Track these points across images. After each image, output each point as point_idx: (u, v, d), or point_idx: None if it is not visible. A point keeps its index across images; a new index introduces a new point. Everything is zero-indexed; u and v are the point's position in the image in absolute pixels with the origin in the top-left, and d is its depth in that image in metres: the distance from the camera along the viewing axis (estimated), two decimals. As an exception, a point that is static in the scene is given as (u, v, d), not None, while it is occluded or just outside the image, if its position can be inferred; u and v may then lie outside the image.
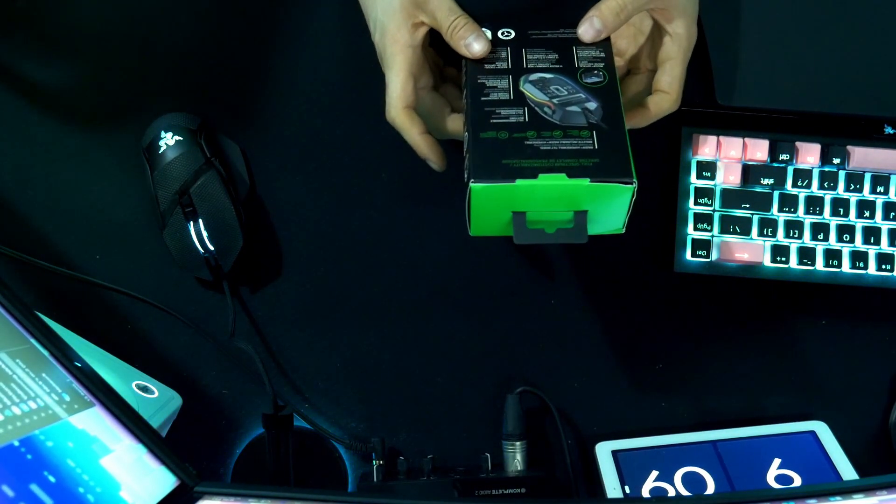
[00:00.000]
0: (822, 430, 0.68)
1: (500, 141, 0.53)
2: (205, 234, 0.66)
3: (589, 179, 0.51)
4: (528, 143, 0.53)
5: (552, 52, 0.57)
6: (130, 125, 0.69)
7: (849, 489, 0.51)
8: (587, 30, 0.57)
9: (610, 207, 0.53)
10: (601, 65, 0.57)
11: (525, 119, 0.54)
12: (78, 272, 0.68)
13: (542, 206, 0.53)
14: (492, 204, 0.53)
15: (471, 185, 0.52)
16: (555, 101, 0.55)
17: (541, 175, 0.51)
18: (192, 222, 0.66)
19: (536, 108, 0.54)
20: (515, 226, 0.53)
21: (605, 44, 0.57)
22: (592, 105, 0.55)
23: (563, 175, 0.51)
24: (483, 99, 0.55)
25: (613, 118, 0.54)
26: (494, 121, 0.54)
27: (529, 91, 0.55)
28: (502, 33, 0.58)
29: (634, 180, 0.52)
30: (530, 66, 0.57)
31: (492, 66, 0.57)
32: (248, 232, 0.68)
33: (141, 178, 0.68)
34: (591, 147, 0.53)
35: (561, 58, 0.57)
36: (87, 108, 0.69)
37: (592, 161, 0.52)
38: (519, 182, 0.51)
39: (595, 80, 0.56)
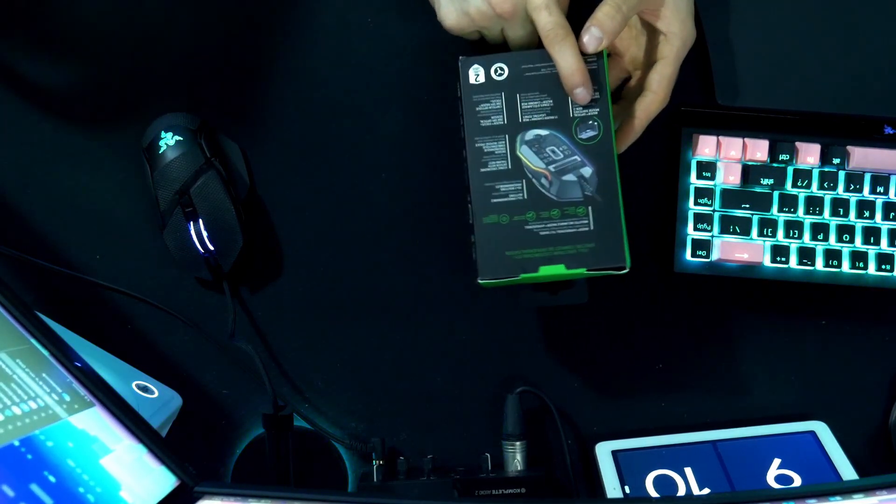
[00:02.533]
0: (822, 430, 0.68)
1: (501, 226, 0.57)
2: (205, 234, 0.66)
3: (586, 269, 0.57)
4: (529, 227, 0.57)
5: (547, 96, 0.58)
6: (130, 125, 0.69)
7: (849, 489, 0.51)
8: (589, 41, 0.56)
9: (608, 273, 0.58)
10: (596, 111, 0.57)
11: (524, 196, 0.57)
12: (78, 272, 0.68)
13: (544, 281, 0.59)
14: (500, 284, 0.58)
15: (479, 281, 0.57)
16: (551, 168, 0.57)
17: (541, 267, 0.57)
18: (192, 222, 0.66)
19: (534, 179, 0.57)
20: (522, 294, 0.61)
21: (601, 79, 0.57)
22: (588, 171, 0.57)
23: (563, 266, 0.57)
24: (483, 171, 0.58)
25: (608, 186, 0.57)
26: (495, 200, 0.57)
27: (526, 156, 0.57)
28: (495, 71, 0.58)
29: (627, 265, 0.56)
30: (525, 118, 0.58)
31: (488, 123, 0.58)
32: (248, 232, 0.68)
33: (141, 178, 0.68)
34: (587, 229, 0.57)
35: (556, 104, 0.58)
36: (87, 108, 0.69)
37: (588, 247, 0.57)
38: (522, 276, 0.57)
39: (590, 134, 0.57)
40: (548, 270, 0.57)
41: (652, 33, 0.60)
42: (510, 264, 0.57)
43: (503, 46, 0.61)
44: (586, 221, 0.57)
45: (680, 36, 0.58)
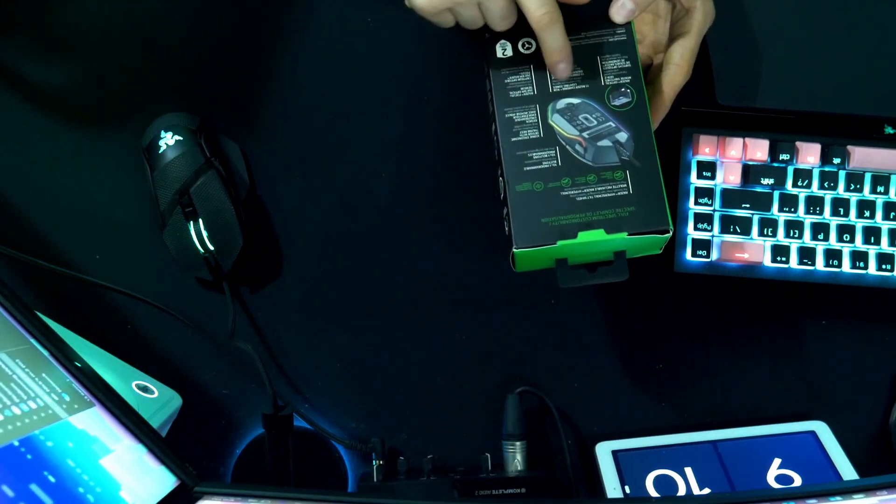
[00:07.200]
0: (822, 430, 0.68)
1: (536, 194, 0.55)
2: (205, 234, 0.66)
3: (627, 233, 0.55)
4: (564, 193, 0.55)
5: (577, 66, 0.57)
6: (130, 125, 0.69)
7: (849, 489, 0.51)
8: (619, 11, 0.56)
9: (648, 244, 0.56)
10: (628, 79, 0.57)
11: (558, 163, 0.56)
12: (78, 272, 0.68)
13: (583, 254, 0.56)
14: (535, 257, 0.56)
15: (514, 250, 0.55)
16: (585, 134, 0.56)
17: (580, 233, 0.54)
18: (192, 222, 0.66)
19: (568, 146, 0.56)
20: (559, 272, 0.56)
21: (630, 49, 0.57)
22: (623, 136, 0.56)
23: (602, 230, 0.54)
24: (514, 140, 0.56)
25: (645, 150, 0.56)
26: (528, 168, 0.56)
27: (558, 124, 0.56)
28: (523, 45, 0.58)
29: (671, 228, 0.54)
30: (556, 88, 0.57)
31: (517, 94, 0.57)
32: (248, 232, 0.68)
33: (141, 178, 0.68)
34: (626, 192, 0.55)
35: (587, 74, 0.57)
36: (87, 108, 0.69)
37: (629, 210, 0.55)
38: (560, 243, 0.55)
39: (623, 101, 0.57)
40: (587, 236, 0.55)
41: (673, 13, 0.60)
42: (547, 231, 0.55)
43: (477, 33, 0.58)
44: (625, 185, 0.55)
45: (702, 10, 0.59)
